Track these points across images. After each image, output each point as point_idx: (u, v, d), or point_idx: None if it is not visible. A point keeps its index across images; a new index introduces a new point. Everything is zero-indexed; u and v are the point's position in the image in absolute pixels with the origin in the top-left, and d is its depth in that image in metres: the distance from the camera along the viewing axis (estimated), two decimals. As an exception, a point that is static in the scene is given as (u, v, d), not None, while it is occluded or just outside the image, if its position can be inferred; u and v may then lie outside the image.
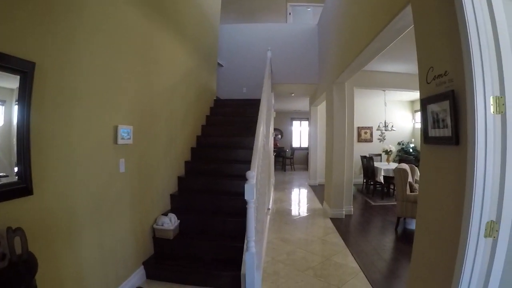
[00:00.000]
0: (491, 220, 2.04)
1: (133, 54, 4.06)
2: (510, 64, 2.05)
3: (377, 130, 12.29)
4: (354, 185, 10.91)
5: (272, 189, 9.87)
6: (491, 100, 2.01)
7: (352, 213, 7.93)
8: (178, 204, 5.28)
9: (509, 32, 2.08)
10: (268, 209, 5.71)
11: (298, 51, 10.26)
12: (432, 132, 2.54)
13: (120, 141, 3.66)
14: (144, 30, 4.34)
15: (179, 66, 5.78)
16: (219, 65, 10.08)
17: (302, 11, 12.88)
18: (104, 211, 3.44)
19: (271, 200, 8.40)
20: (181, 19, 5.86)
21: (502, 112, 2.02)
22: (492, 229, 2.04)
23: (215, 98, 8.70)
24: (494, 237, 2.04)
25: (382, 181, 9.81)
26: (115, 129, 3.61)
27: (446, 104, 2.30)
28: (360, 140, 13.20)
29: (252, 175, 3.23)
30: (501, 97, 2.02)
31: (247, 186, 3.16)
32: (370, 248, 5.48)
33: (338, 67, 6.80)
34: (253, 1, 12.57)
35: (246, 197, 3.18)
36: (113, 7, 3.57)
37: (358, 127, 13.14)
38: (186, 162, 6.03)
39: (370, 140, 13.32)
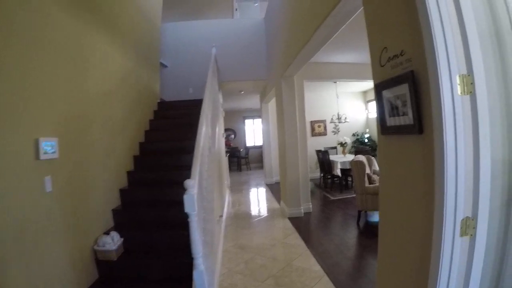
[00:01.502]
0: (467, 217, 1.80)
1: (57, 55, 3.60)
2: (476, 38, 1.80)
3: (330, 123, 12.32)
4: (312, 180, 10.78)
5: (227, 192, 9.54)
6: (457, 79, 1.74)
7: (311, 210, 7.68)
8: (122, 219, 4.82)
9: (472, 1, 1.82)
10: (221, 216, 5.34)
11: (245, 47, 9.96)
12: (391, 121, 2.25)
13: (43, 156, 3.20)
14: (71, 27, 3.90)
15: (116, 67, 5.32)
16: (163, 65, 9.61)
17: (249, 6, 12.59)
18: (30, 239, 2.98)
19: (225, 204, 8.05)
20: (116, 17, 5.42)
21: (470, 92, 1.76)
22: (468, 227, 1.80)
23: (159, 101, 8.22)
24: (471, 235, 1.81)
25: (340, 174, 9.72)
26: (36, 143, 3.15)
27: (405, 88, 2.02)
28: (314, 134, 13.08)
29: (191, 184, 2.85)
30: (469, 75, 1.76)
31: (186, 197, 2.77)
32: (333, 247, 5.23)
33: (285, 60, 6.52)
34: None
35: (186, 210, 2.79)
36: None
37: (311, 121, 13.01)
38: (129, 172, 5.56)
39: (325, 134, 13.21)
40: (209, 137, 4.73)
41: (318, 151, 10.80)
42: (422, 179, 1.97)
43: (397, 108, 2.15)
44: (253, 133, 19.40)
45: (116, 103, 5.25)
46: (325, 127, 13.25)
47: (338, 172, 9.65)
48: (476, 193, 1.79)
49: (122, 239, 4.32)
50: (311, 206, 7.73)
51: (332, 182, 10.29)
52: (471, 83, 1.75)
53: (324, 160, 10.33)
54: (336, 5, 3.43)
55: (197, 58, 9.80)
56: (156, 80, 8.18)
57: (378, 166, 2.60)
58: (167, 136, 6.62)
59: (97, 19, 4.69)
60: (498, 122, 1.84)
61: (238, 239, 5.99)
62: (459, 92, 1.74)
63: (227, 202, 8.59)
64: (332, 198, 9.05)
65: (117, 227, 4.61)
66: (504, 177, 1.87)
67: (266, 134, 12.45)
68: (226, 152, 13.74)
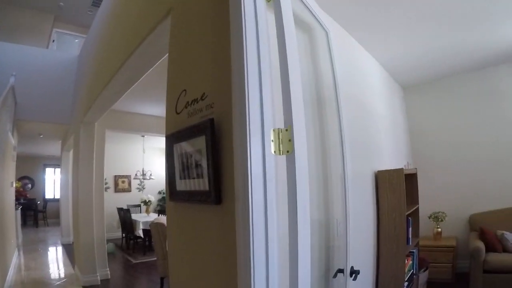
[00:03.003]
0: None
1: None
2: (298, 84, 1.45)
3: (134, 179, 11.91)
4: (112, 241, 9.83)
5: (15, 254, 8.03)
6: (271, 135, 1.31)
7: (110, 277, 6.76)
8: None
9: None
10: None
11: (52, 83, 8.68)
12: (181, 184, 1.77)
13: None
14: None
15: None
16: None
17: (68, 41, 11.48)
18: None
19: (10, 270, 6.63)
20: None
21: (288, 152, 1.33)
22: None
23: None
24: None
25: (142, 235, 9.04)
26: None
27: (201, 142, 1.53)
28: (118, 190, 12.33)
29: None
30: (287, 130, 1.34)
31: None
32: None
33: (86, 104, 5.83)
34: (15, 18, 10.44)
35: None
36: None
37: (116, 176, 12.33)
38: None
39: (129, 190, 12.60)
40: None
41: (119, 209, 10.05)
42: (222, 262, 1.51)
43: (190, 167, 1.65)
44: (54, 184, 17.33)
45: None
46: (129, 183, 12.65)
47: (140, 233, 9.01)
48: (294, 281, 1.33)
49: None
50: (109, 272, 6.81)
51: (134, 243, 9.55)
52: (289, 140, 1.33)
53: (125, 218, 9.62)
54: (141, 43, 3.08)
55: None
56: None
57: (167, 239, 2.08)
58: None
59: None
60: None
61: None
62: (272, 150, 1.31)
63: (13, 266, 7.12)
64: (134, 261, 8.27)
65: None
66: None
67: (64, 186, 11.11)
68: (21, 204, 12.08)
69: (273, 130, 1.31)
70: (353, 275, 2.17)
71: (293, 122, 1.33)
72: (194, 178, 1.63)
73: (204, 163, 1.53)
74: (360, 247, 3.31)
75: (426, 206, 5.30)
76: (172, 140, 1.84)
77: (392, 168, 3.89)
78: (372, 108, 4.14)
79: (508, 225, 4.94)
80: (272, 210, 1.27)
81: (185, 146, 1.71)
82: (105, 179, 11.32)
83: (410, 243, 4.09)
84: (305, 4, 2.07)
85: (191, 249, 1.81)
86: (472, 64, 5.36)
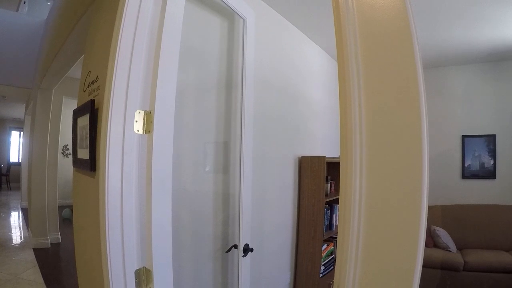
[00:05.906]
0: (144, 267, 1.58)
1: None
2: (172, 76, 1.67)
3: None
4: (71, 207, 9.85)
5: None
6: (136, 116, 1.55)
7: (61, 241, 6.89)
8: None
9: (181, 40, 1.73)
10: None
11: (18, 47, 8.52)
12: (80, 153, 1.98)
13: None
14: None
15: None
16: None
17: (40, 3, 10.89)
18: None
19: None
20: None
21: (149, 131, 1.57)
22: (147, 278, 1.57)
23: None
24: (150, 287, 1.57)
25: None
26: None
27: (87, 118, 1.78)
28: (80, 157, 11.95)
29: None
30: (150, 113, 1.58)
31: None
32: (72, 284, 4.67)
33: (42, 70, 5.87)
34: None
35: None
36: None
37: (83, 143, 11.88)
38: None
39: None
40: None
41: (78, 176, 9.89)
42: (96, 224, 1.70)
43: (83, 139, 1.90)
44: (19, 147, 16.54)
45: None
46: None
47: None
48: (149, 244, 1.58)
49: None
50: (60, 236, 6.94)
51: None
52: (151, 122, 1.57)
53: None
54: (76, 24, 3.11)
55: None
56: None
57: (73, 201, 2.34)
58: None
59: None
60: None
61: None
62: (135, 129, 1.55)
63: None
64: (88, 227, 8.32)
65: None
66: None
67: (26, 150, 10.73)
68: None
69: (139, 112, 1.55)
70: (246, 252, 2.32)
71: (156, 107, 1.56)
72: (84, 148, 1.85)
73: (88, 136, 1.76)
74: (271, 227, 3.38)
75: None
76: (75, 114, 2.05)
77: (317, 155, 3.86)
78: (305, 96, 4.13)
79: (440, 221, 5.06)
80: (130, 178, 1.52)
81: (81, 121, 1.93)
82: (67, 145, 11.31)
83: (334, 229, 4.15)
84: None
85: (84, 208, 2.04)
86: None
